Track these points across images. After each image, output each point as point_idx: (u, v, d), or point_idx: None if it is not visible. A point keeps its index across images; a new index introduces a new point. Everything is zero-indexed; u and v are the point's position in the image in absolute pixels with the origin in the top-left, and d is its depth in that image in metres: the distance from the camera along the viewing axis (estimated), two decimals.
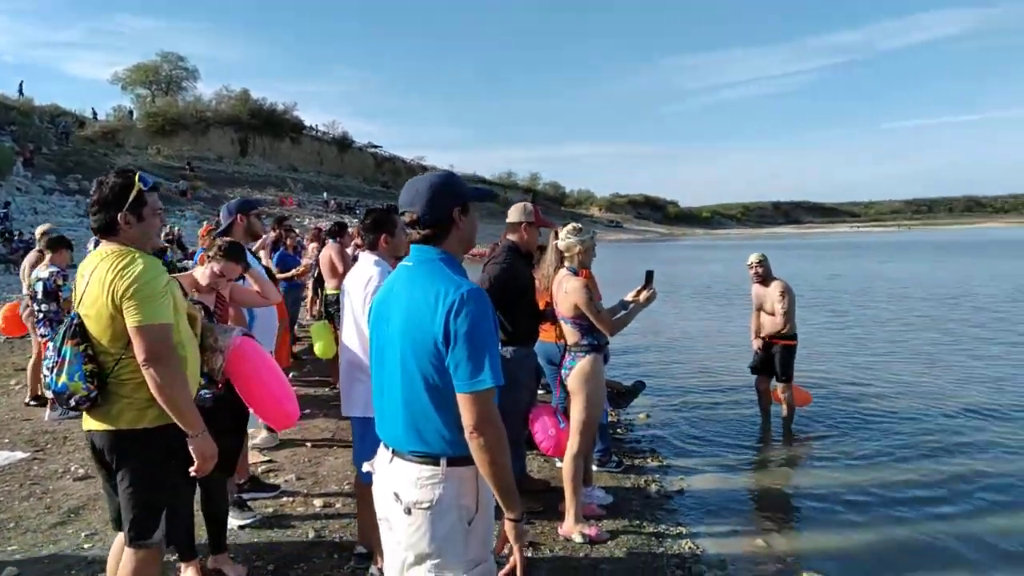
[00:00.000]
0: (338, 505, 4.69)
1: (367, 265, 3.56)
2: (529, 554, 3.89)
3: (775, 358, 6.60)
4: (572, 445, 4.24)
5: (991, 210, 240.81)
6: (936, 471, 5.71)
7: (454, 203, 2.11)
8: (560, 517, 4.34)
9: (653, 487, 5.32)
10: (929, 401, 7.85)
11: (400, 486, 2.06)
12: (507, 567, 2.05)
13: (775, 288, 6.59)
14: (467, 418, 1.94)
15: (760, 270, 6.73)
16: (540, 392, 6.29)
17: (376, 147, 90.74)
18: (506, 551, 2.07)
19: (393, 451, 2.12)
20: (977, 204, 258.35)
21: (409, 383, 2.04)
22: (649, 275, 4.37)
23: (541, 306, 4.69)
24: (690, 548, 4.27)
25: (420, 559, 2.04)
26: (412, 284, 2.08)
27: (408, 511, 2.02)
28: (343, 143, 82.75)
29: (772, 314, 6.61)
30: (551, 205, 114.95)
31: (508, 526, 2.03)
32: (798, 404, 6.86)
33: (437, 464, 2.02)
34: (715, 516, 4.89)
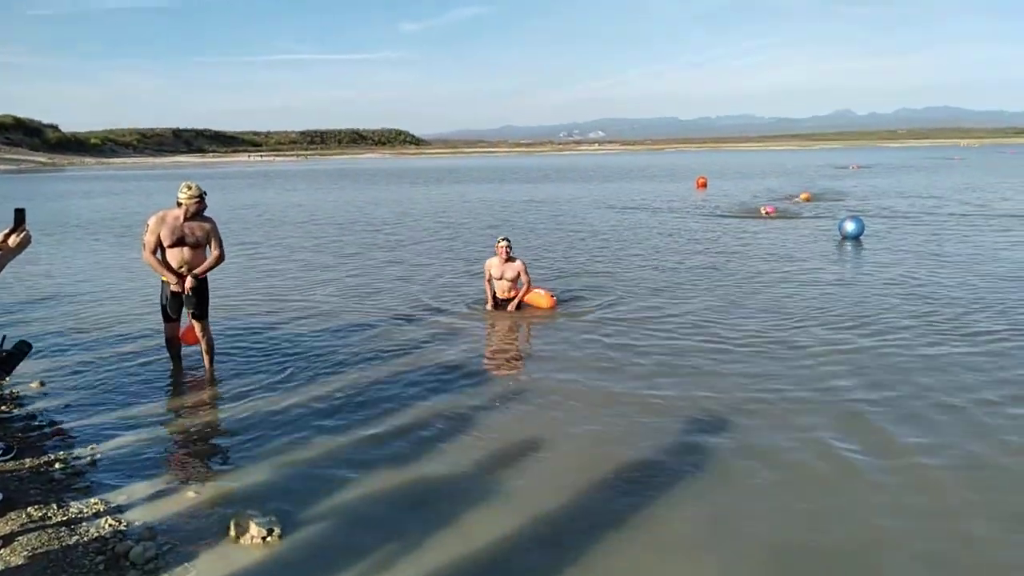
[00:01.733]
0: None
1: None
2: None
3: (191, 296, 6.29)
4: None
5: (371, 143, 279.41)
6: (361, 380, 6.37)
7: None
8: None
9: (58, 467, 4.55)
10: (346, 319, 8.71)
11: None
12: None
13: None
14: None
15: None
16: None
17: None
18: None
19: None
20: (360, 136, 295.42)
21: None
22: (19, 214, 3.58)
23: None
24: (111, 525, 3.81)
25: None
26: None
27: None
28: None
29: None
30: None
31: None
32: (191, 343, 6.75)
33: None
34: (138, 480, 4.45)
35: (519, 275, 8.94)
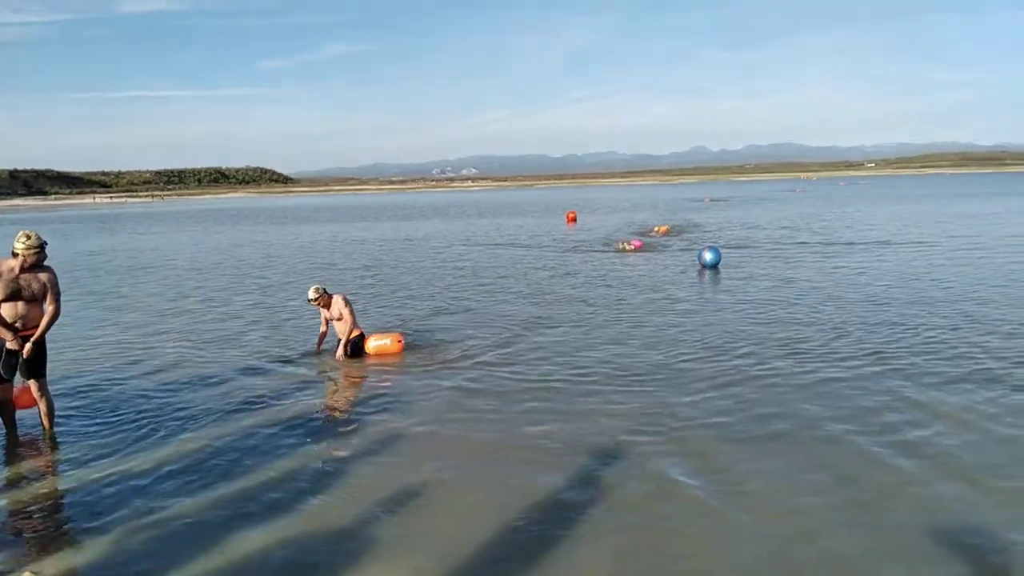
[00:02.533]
0: None
1: None
2: None
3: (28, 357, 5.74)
4: None
5: (235, 181, 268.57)
6: (214, 438, 6.02)
7: None
8: None
9: None
10: (200, 372, 8.23)
11: None
12: None
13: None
14: None
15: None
16: None
17: None
18: None
19: None
20: (222, 175, 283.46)
21: None
22: None
23: None
24: None
25: None
26: None
27: None
28: None
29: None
30: None
31: None
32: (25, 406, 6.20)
33: None
34: None
35: (343, 312, 8.69)
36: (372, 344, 8.77)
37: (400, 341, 8.87)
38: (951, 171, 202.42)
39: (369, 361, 8.53)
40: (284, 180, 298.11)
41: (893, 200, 48.24)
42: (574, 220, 34.52)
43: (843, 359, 7.82)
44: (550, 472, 5.10)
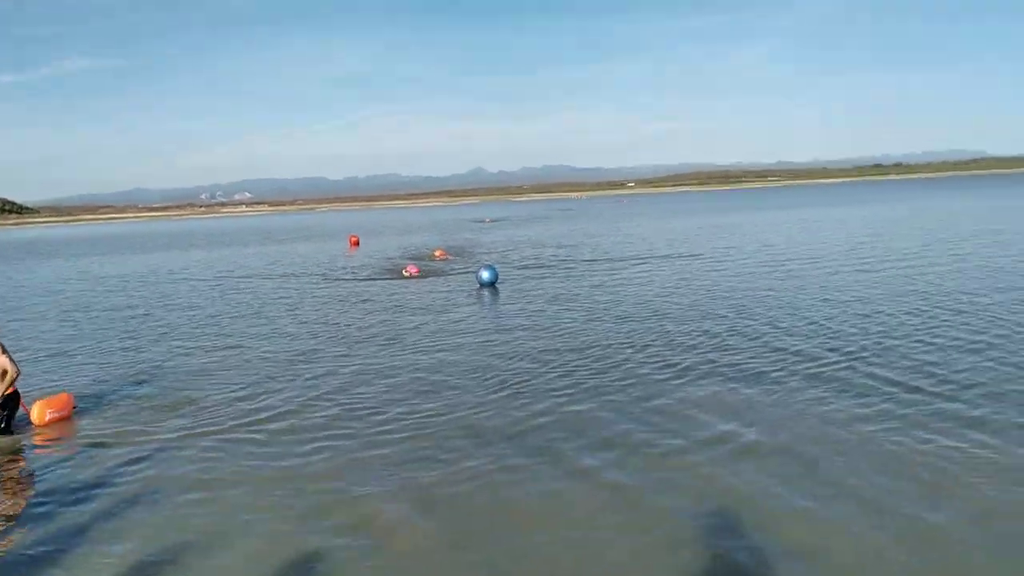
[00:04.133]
0: None
1: None
2: None
3: None
4: None
5: None
6: None
7: None
8: None
9: None
10: None
11: None
12: None
13: None
14: None
15: None
16: None
17: None
18: None
19: None
20: None
21: None
22: None
23: None
24: None
25: None
26: None
27: None
28: None
29: None
30: None
31: None
32: None
33: None
34: None
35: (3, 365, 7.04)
36: (36, 410, 7.11)
37: (65, 405, 7.33)
38: (698, 189, 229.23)
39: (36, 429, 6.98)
40: (19, 210, 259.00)
41: (655, 216, 52.67)
42: (356, 244, 33.17)
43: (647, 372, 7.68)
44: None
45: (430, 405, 7.19)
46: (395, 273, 19.96)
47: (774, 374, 7.72)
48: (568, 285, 15.79)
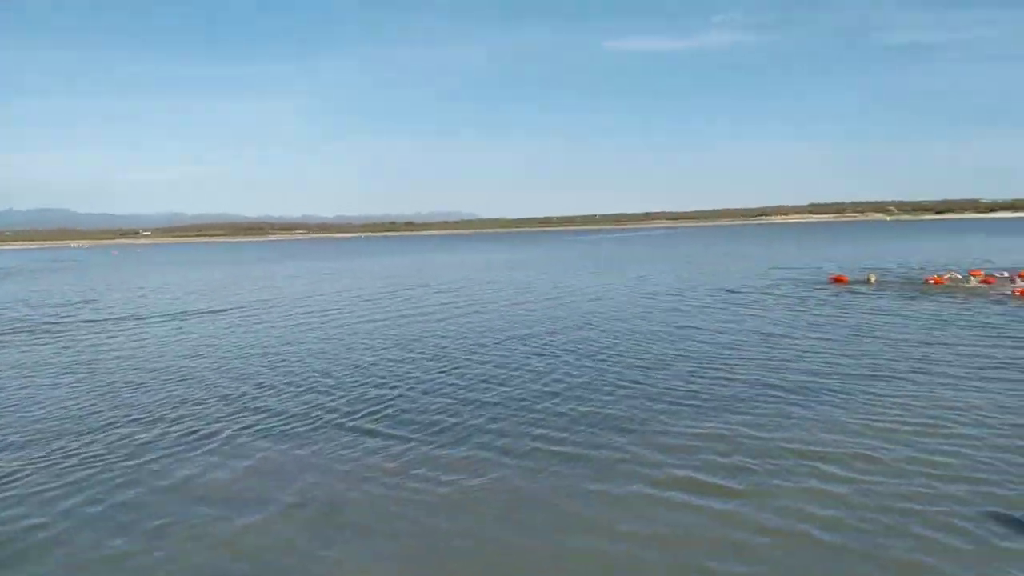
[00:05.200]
0: None
1: None
2: None
3: None
4: None
5: None
6: None
7: None
8: None
9: None
10: None
11: None
12: None
13: None
14: None
15: None
16: None
17: None
18: None
19: None
20: None
21: None
22: None
23: None
24: None
25: None
26: None
27: None
28: None
29: None
30: None
31: None
32: None
33: None
34: None
35: None
36: None
37: None
38: (222, 239, 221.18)
39: None
40: None
41: (163, 266, 48.97)
42: None
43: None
44: None
45: None
46: None
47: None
48: (72, 353, 13.60)
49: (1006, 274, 20.85)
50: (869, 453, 6.56)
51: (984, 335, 12.09)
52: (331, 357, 12.21)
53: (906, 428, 7.24)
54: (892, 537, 5.00)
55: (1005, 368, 9.59)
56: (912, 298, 17.71)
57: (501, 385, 9.74)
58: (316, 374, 10.81)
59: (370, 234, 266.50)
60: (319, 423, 8.15)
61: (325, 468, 6.66)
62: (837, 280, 22.18)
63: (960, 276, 20.45)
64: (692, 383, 9.44)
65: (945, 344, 11.42)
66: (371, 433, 7.74)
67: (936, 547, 4.83)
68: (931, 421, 7.41)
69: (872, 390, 8.72)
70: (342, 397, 9.33)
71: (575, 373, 10.34)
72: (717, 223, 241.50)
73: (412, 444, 7.33)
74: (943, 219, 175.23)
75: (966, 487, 5.73)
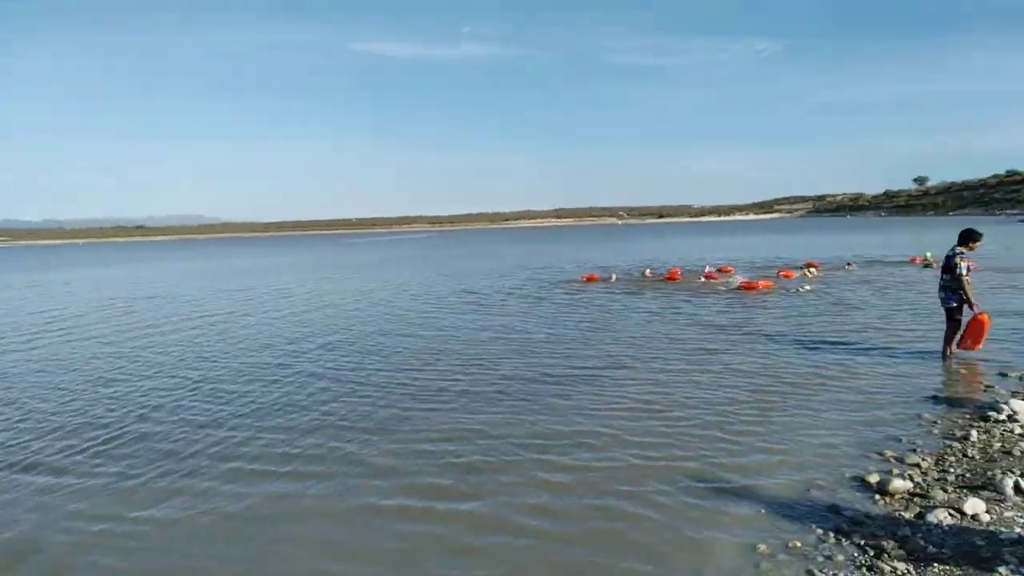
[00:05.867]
0: None
1: None
2: None
3: None
4: None
5: None
6: None
7: None
8: None
9: None
10: None
11: None
12: None
13: None
14: None
15: None
16: None
17: None
18: None
19: None
20: None
21: None
22: None
23: None
24: None
25: None
26: None
27: None
28: None
29: None
30: None
31: None
32: None
33: None
34: None
35: None
36: None
37: None
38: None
39: None
40: None
41: None
42: None
43: None
44: None
45: None
46: None
47: None
48: None
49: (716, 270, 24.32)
50: (589, 440, 6.93)
51: (695, 325, 13.63)
52: None
53: (621, 412, 7.81)
54: (606, 517, 5.26)
55: (708, 353, 10.82)
56: (635, 293, 19.56)
57: (206, 404, 8.88)
58: None
59: (90, 240, 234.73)
60: None
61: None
62: (589, 279, 23.77)
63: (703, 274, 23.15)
64: (416, 382, 9.41)
65: (662, 333, 12.68)
66: (59, 471, 6.55)
67: (642, 520, 5.18)
68: (644, 405, 8.07)
69: (598, 380, 9.32)
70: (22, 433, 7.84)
71: (300, 384, 9.78)
72: (474, 227, 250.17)
73: (111, 480, 6.32)
74: (663, 222, 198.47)
75: (666, 463, 6.27)
